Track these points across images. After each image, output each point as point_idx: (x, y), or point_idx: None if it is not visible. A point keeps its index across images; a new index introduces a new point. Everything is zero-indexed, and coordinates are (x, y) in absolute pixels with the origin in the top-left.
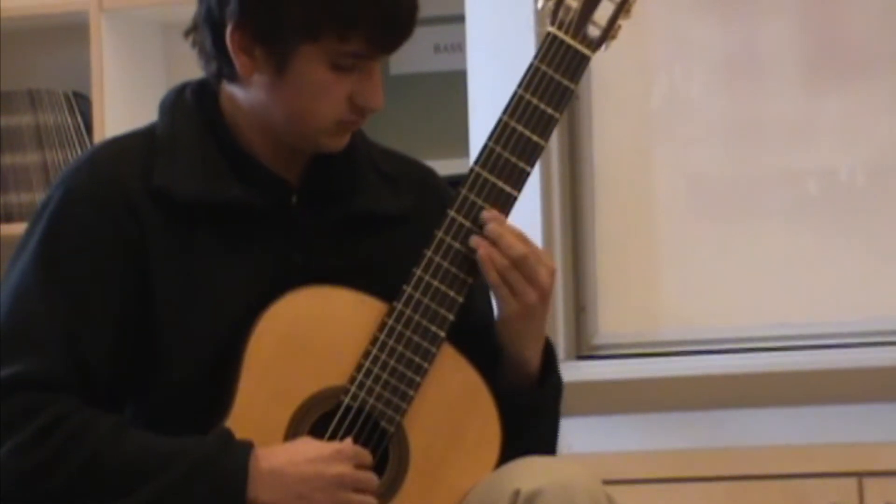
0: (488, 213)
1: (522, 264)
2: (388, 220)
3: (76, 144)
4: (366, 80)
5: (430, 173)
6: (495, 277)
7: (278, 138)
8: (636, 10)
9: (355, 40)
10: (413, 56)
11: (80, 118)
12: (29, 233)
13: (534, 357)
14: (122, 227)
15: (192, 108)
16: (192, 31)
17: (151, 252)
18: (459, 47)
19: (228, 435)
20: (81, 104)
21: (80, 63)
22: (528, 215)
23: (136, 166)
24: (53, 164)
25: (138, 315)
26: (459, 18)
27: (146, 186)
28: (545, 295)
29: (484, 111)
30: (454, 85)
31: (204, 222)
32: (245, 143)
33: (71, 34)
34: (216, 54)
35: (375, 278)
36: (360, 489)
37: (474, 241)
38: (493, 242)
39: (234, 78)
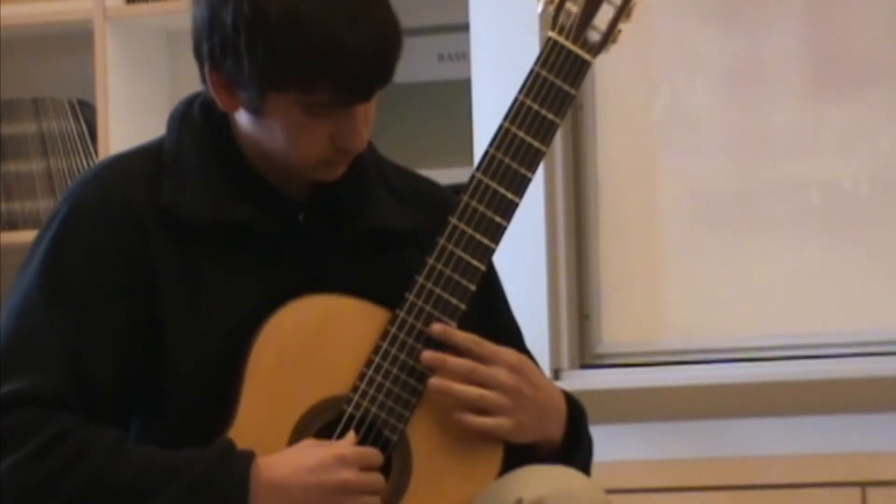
0: (427, 354)
1: (475, 377)
2: (398, 236)
3: (80, 152)
4: (345, 122)
5: (441, 191)
6: (479, 423)
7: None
8: (640, 20)
9: (320, 92)
10: (417, 65)
11: (84, 126)
12: (34, 248)
13: (550, 435)
14: (128, 246)
15: (200, 123)
16: None
17: (158, 271)
18: (464, 56)
19: (229, 447)
20: (86, 112)
21: (84, 71)
22: (532, 225)
23: (143, 184)
24: (58, 172)
25: (144, 333)
26: (464, 27)
27: (153, 205)
28: (515, 392)
29: (488, 120)
30: (458, 94)
31: (211, 242)
32: (251, 161)
33: (75, 42)
34: (206, 86)
35: (384, 296)
36: (366, 492)
37: (431, 383)
38: (442, 367)
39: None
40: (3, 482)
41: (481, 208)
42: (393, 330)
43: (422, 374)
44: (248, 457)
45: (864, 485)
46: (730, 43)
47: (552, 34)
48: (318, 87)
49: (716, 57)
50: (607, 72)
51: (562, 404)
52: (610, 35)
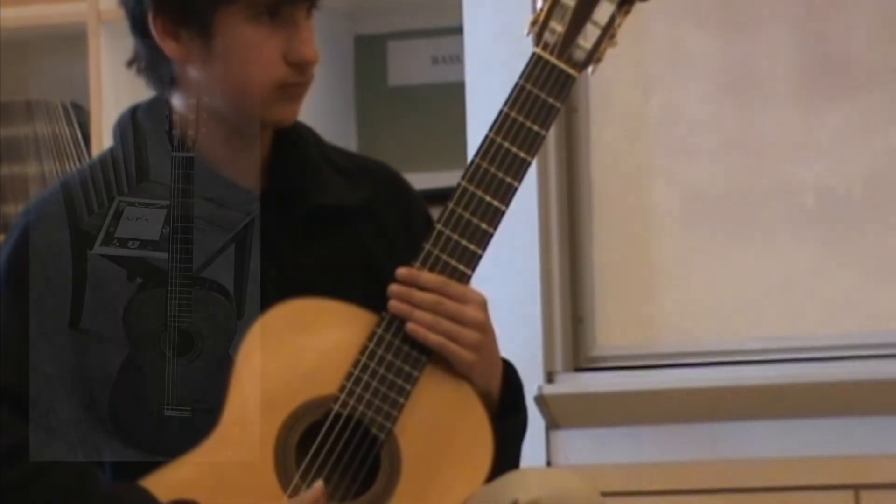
0: (394, 287)
1: (441, 310)
2: (350, 213)
3: (74, 155)
4: (294, 34)
5: (385, 166)
6: (434, 339)
7: (230, 134)
8: (634, 25)
9: None
10: (411, 68)
11: (77, 129)
12: None
13: (494, 387)
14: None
15: (147, 128)
16: (133, 59)
17: None
18: (457, 59)
19: None
20: (79, 115)
21: (78, 74)
22: (525, 228)
23: (102, 191)
24: (52, 175)
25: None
26: (457, 30)
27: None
28: (482, 328)
29: (482, 123)
30: (452, 96)
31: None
32: (201, 155)
33: (69, 45)
34: (149, 55)
35: (346, 274)
36: None
37: (391, 305)
38: (408, 301)
39: (174, 80)
40: None
41: (467, 215)
42: (379, 331)
43: (409, 374)
44: None
45: (857, 487)
46: (723, 47)
47: (537, 50)
48: None
49: (709, 61)
50: (601, 76)
51: (500, 360)
52: (594, 56)
